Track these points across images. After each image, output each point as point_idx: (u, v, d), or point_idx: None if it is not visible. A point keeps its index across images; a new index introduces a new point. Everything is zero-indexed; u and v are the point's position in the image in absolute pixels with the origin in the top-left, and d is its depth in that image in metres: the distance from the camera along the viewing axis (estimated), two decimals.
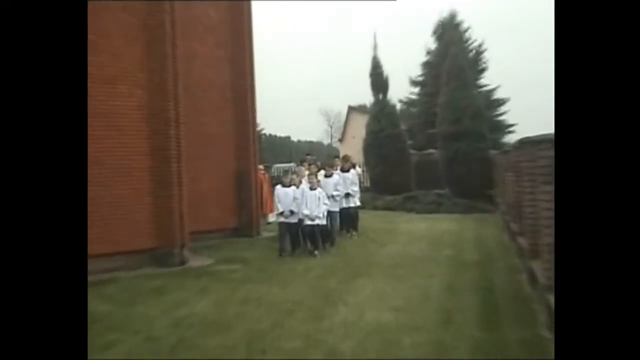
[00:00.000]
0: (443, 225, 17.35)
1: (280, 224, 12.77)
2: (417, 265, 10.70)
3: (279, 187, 12.83)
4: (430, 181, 25.39)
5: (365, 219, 18.14)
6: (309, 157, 18.19)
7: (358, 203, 15.30)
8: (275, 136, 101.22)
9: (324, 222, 12.62)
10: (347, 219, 14.97)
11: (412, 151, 27.69)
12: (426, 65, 35.68)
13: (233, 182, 15.89)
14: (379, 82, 27.59)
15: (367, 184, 27.59)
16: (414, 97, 36.99)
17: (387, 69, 30.25)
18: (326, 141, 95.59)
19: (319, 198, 12.53)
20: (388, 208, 23.21)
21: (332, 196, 13.92)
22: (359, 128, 36.41)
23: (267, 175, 20.09)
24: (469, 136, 22.33)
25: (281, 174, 15.01)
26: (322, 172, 14.62)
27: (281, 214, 12.65)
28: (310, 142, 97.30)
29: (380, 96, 27.50)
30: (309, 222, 12.42)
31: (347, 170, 15.12)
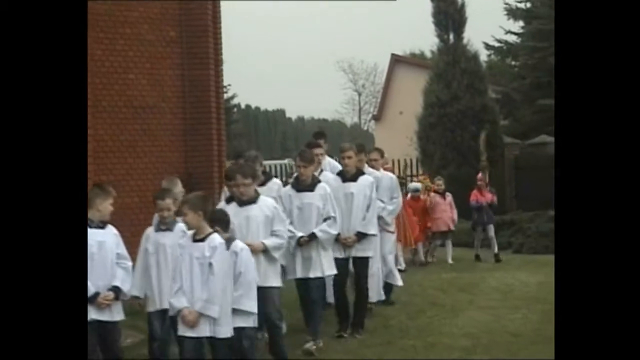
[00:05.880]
0: None
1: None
2: None
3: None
4: (541, 194, 13.60)
5: (419, 268, 11.65)
6: (249, 153, 7.33)
7: (369, 254, 7.16)
8: (259, 110, 67.15)
9: (227, 332, 5.10)
10: (310, 303, 6.69)
11: (508, 139, 17.09)
12: None
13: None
14: (448, 11, 16.79)
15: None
16: (512, 39, 22.60)
17: None
18: (351, 119, 54.43)
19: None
20: (465, 244, 13.59)
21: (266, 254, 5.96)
22: (411, 95, 20.67)
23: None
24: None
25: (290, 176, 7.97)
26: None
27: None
28: (323, 121, 60.29)
29: (452, 36, 16.84)
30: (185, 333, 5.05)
31: (351, 179, 7.11)
